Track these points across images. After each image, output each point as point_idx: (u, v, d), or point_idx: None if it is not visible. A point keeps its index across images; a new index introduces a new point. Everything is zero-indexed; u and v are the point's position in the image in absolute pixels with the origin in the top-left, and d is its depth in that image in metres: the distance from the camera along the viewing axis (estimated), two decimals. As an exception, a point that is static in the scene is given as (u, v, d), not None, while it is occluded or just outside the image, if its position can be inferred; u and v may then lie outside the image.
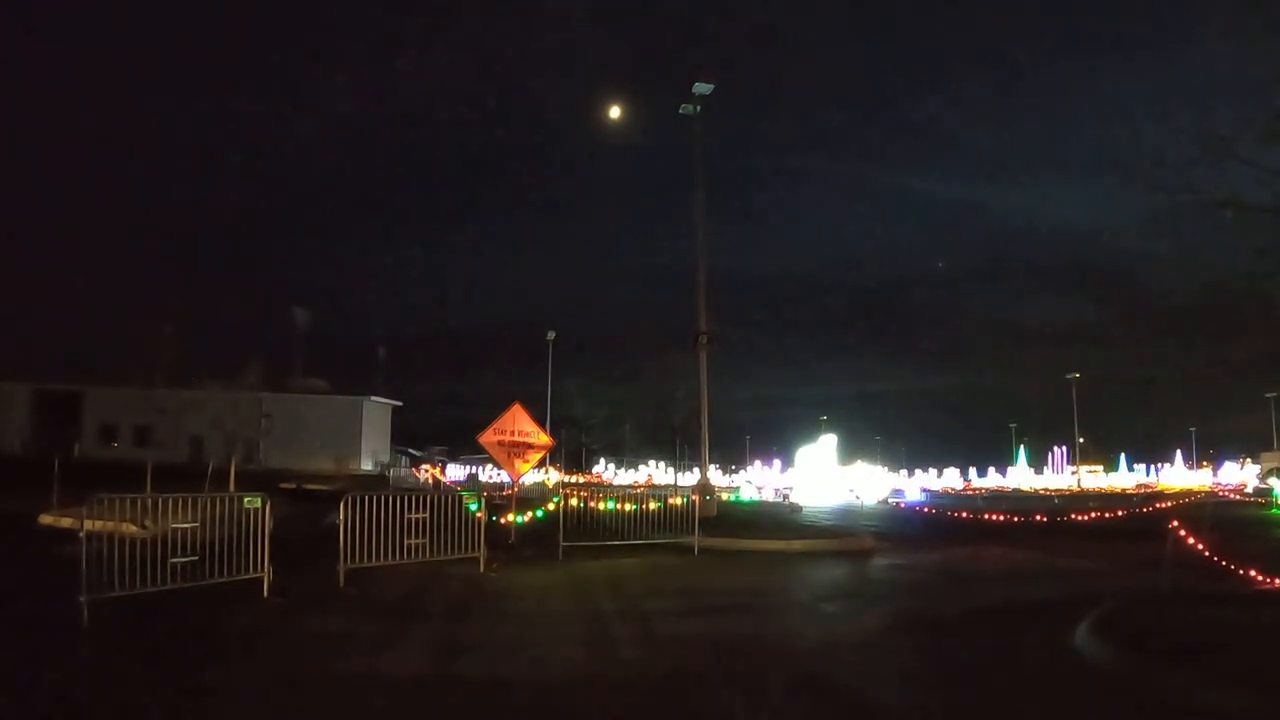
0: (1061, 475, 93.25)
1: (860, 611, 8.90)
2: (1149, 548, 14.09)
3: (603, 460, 74.07)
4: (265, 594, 8.40)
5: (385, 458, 56.24)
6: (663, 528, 13.88)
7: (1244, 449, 79.29)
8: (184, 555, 7.94)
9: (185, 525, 8.17)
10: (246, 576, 8.39)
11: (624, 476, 77.15)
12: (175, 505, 8.40)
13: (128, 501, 8.08)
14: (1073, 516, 23.35)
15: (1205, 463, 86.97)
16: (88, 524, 7.37)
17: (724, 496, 35.35)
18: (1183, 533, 10.38)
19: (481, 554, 10.74)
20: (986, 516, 23.35)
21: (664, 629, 7.63)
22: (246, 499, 8.61)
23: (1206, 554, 10.43)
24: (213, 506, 8.69)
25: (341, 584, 9.14)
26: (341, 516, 9.27)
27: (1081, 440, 76.54)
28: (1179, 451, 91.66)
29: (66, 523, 13.39)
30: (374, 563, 9.56)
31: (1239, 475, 73.36)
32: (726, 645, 7.04)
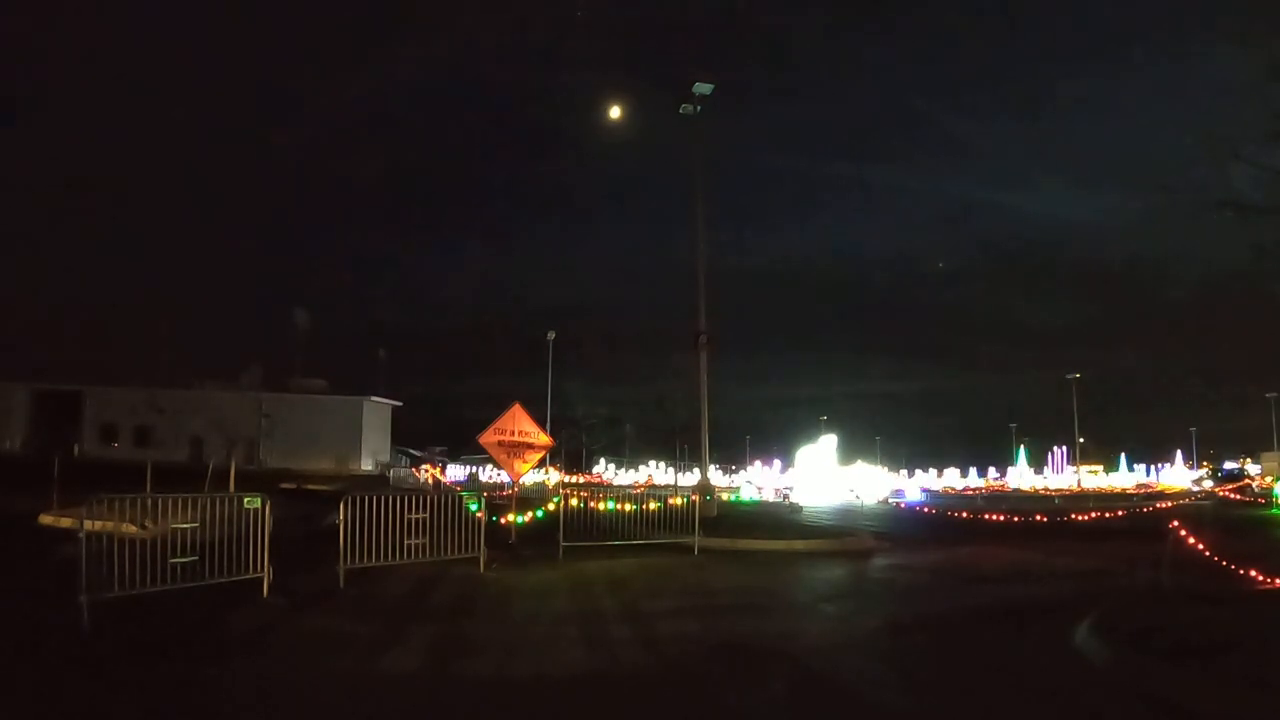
0: (1061, 475, 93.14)
1: (861, 612, 8.89)
2: (1149, 547, 14.09)
3: (603, 462, 73.62)
4: (265, 594, 8.39)
5: (385, 458, 56.26)
6: (663, 528, 13.88)
7: (1244, 449, 79.28)
8: (184, 555, 7.92)
9: (185, 525, 8.16)
10: (246, 576, 8.37)
11: (624, 477, 76.97)
12: (175, 505, 8.39)
13: (127, 502, 8.05)
14: (1074, 517, 23.34)
15: (1205, 463, 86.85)
16: (87, 524, 7.35)
17: (724, 497, 35.34)
18: (1183, 532, 10.37)
19: (482, 554, 10.72)
20: (987, 517, 23.34)
21: (665, 629, 7.62)
22: (246, 499, 8.60)
23: (1207, 553, 10.42)
24: (212, 507, 8.66)
25: (342, 584, 9.13)
26: (341, 517, 9.26)
27: (1081, 440, 76.46)
28: (1179, 451, 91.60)
29: (66, 523, 13.37)
30: (374, 563, 9.55)
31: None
32: (728, 646, 7.03)
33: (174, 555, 7.82)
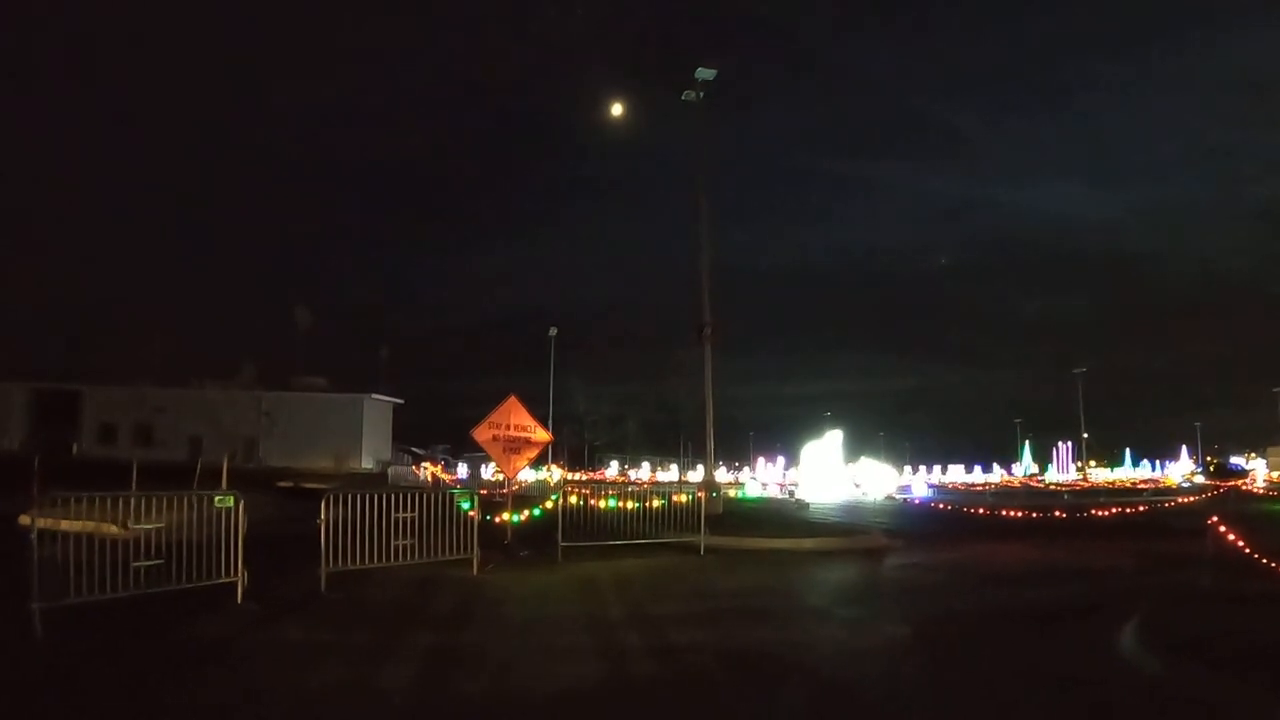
0: (1066, 472, 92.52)
1: (881, 616, 8.26)
2: (1178, 544, 13.48)
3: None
4: (239, 600, 7.79)
5: (387, 456, 55.64)
6: (667, 526, 13.23)
7: (1250, 445, 78.67)
8: (149, 558, 7.34)
9: (149, 526, 7.57)
10: (219, 581, 7.78)
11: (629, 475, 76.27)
12: (140, 505, 7.77)
13: (85, 500, 7.45)
14: (1094, 512, 22.62)
15: (1210, 458, 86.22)
16: (40, 523, 6.81)
17: (731, 494, 34.78)
18: (1222, 529, 9.73)
19: (475, 555, 10.11)
20: (999, 512, 22.70)
21: (673, 637, 7.00)
22: (217, 498, 8.00)
23: (1246, 551, 9.76)
24: (182, 506, 8.03)
25: (323, 588, 8.53)
26: (322, 516, 8.64)
27: (1085, 436, 75.73)
28: (1184, 447, 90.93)
29: (44, 523, 12.80)
30: (358, 565, 8.94)
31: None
32: (740, 655, 6.43)
33: (138, 558, 7.24)
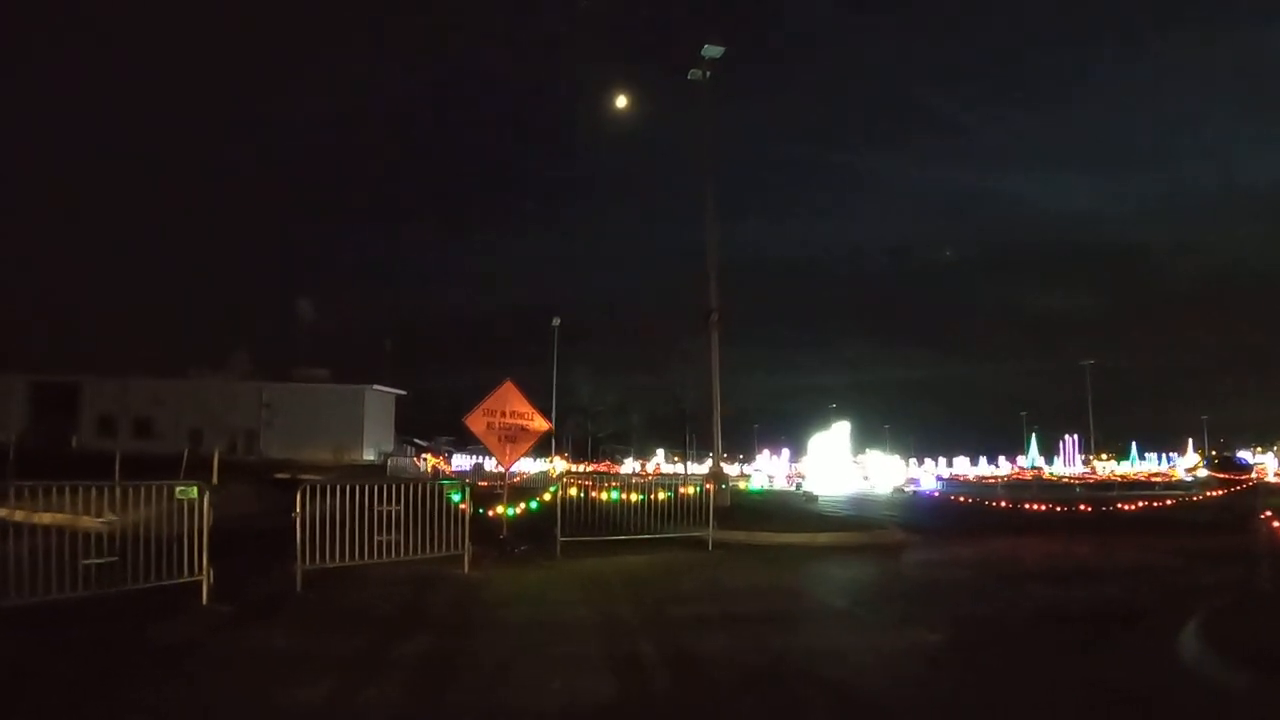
0: (1072, 465, 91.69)
1: (908, 620, 7.53)
2: (1216, 539, 12.73)
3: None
4: (205, 600, 7.11)
5: (389, 448, 55.09)
6: (673, 520, 12.51)
7: (1256, 438, 77.89)
8: (101, 556, 6.65)
9: (104, 520, 6.89)
10: (183, 580, 7.10)
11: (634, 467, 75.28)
12: (95, 496, 7.08)
13: (42, 491, 6.81)
14: (1119, 506, 21.81)
15: (1215, 451, 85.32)
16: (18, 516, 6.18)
17: (741, 486, 34.11)
18: (1276, 523, 8.99)
19: (466, 552, 9.41)
20: (1015, 506, 21.95)
21: (683, 644, 6.29)
22: (179, 489, 7.29)
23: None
24: (139, 499, 7.29)
25: (299, 588, 7.84)
26: (298, 509, 7.94)
27: (1093, 429, 74.80)
28: (1190, 440, 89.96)
29: (19, 516, 12.17)
30: (339, 563, 8.24)
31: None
32: (759, 665, 5.74)
33: (88, 556, 6.56)
